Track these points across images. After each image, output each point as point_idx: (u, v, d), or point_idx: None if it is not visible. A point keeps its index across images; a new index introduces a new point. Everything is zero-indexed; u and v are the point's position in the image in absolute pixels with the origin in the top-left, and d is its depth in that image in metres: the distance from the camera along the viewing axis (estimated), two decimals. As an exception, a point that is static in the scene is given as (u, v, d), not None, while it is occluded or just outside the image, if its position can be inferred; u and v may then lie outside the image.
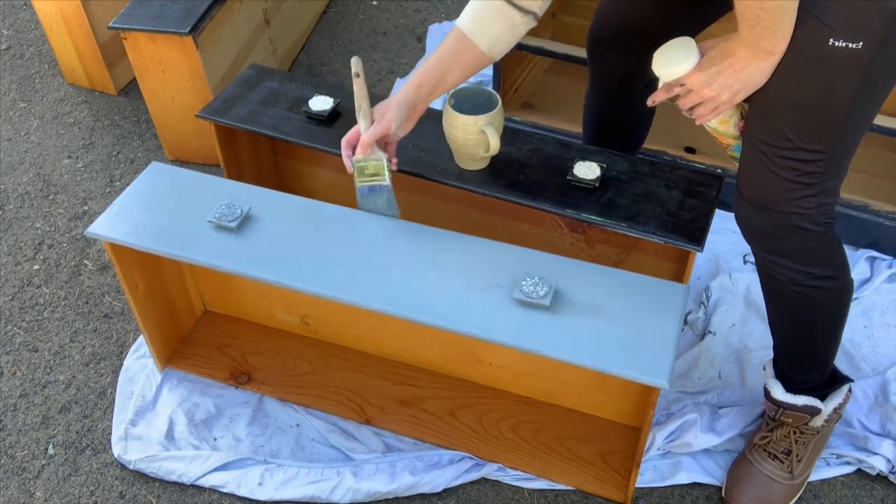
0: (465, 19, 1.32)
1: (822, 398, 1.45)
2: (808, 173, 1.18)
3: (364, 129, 1.39)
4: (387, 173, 1.41)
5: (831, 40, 1.07)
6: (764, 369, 1.50)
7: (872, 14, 1.04)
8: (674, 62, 1.20)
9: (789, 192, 1.20)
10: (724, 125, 1.29)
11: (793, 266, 1.27)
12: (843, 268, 1.31)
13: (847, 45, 1.06)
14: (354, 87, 1.39)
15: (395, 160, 1.45)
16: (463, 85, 1.44)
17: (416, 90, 1.37)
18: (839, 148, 1.17)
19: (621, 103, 1.66)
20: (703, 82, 1.18)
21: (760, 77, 1.16)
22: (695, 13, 1.46)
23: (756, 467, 1.50)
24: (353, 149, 1.42)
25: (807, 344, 1.41)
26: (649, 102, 1.28)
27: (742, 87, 1.17)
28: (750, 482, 1.49)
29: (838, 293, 1.33)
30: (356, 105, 1.39)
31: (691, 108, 1.23)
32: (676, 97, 1.24)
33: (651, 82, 1.63)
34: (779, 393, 1.45)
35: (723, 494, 1.52)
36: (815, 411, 1.44)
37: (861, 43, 1.06)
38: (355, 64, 1.38)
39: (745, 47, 1.13)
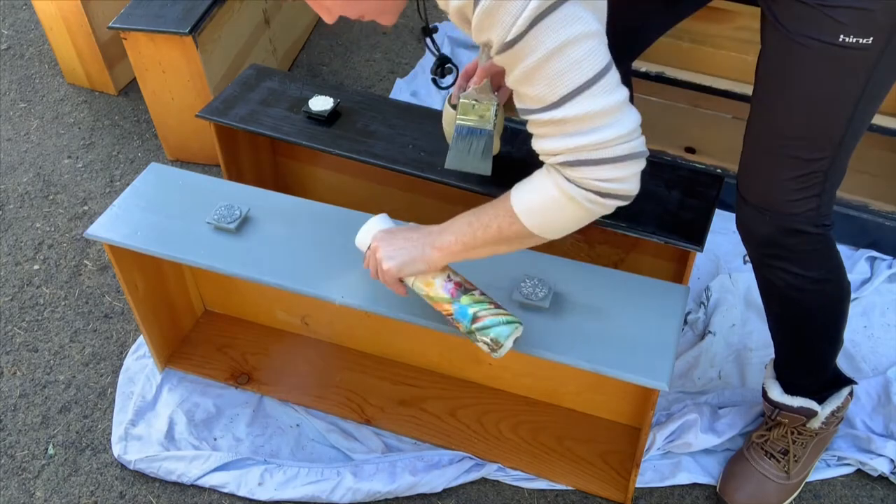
0: None
1: (822, 401, 1.45)
2: (812, 173, 1.18)
3: (483, 62, 1.31)
4: (493, 119, 1.32)
5: (842, 36, 1.05)
6: (765, 368, 1.50)
7: (883, 9, 1.03)
8: (363, 232, 1.24)
9: (793, 194, 1.20)
10: (429, 287, 1.19)
11: (791, 269, 1.27)
12: (839, 270, 1.31)
13: (857, 41, 1.05)
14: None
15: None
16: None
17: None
18: (844, 147, 1.17)
19: None
20: (373, 250, 1.19)
21: (419, 265, 1.16)
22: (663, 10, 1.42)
23: (752, 465, 1.50)
24: (468, 81, 1.34)
25: (806, 348, 1.41)
26: None
27: (403, 264, 1.16)
28: (745, 479, 1.49)
29: (835, 296, 1.33)
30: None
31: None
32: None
33: (627, 76, 1.63)
34: (776, 394, 1.45)
35: (717, 489, 1.52)
36: (811, 413, 1.44)
37: (871, 38, 1.05)
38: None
39: (421, 233, 1.16)
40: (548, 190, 1.01)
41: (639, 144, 0.97)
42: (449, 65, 1.34)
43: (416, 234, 1.17)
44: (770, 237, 1.25)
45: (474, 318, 1.16)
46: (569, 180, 0.98)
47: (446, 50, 2.51)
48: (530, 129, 0.99)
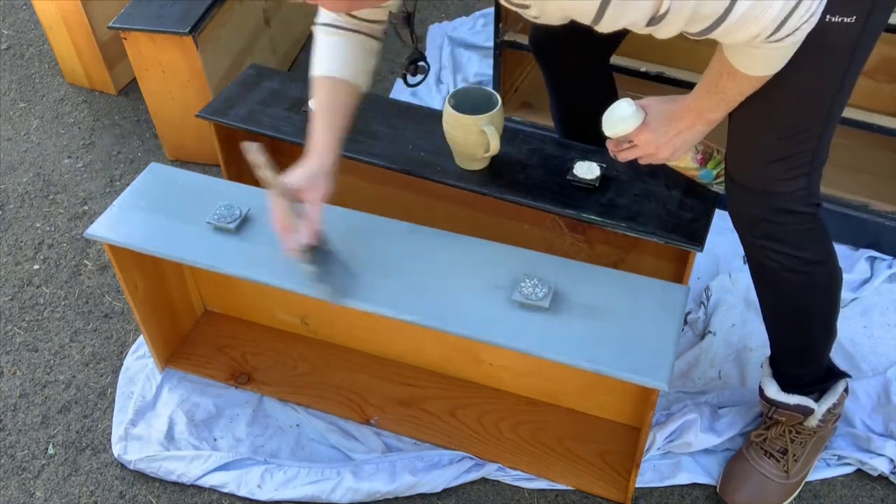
0: (325, 66, 1.32)
1: (818, 397, 1.46)
2: (800, 152, 1.20)
3: (284, 208, 1.27)
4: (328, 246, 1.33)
5: (827, 16, 1.06)
6: (762, 367, 1.50)
7: None
8: (621, 122, 1.26)
9: (783, 174, 1.21)
10: (682, 162, 1.36)
11: (783, 250, 1.28)
12: (831, 253, 1.32)
13: (842, 20, 1.07)
14: (261, 176, 1.25)
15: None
16: (462, 85, 1.44)
17: (331, 152, 1.33)
18: (829, 125, 1.19)
19: (579, 98, 1.67)
20: (649, 141, 1.26)
21: (697, 138, 1.26)
22: None
23: (752, 465, 1.50)
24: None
25: (800, 335, 1.41)
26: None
27: (681, 146, 1.27)
28: (745, 479, 1.49)
29: (828, 278, 1.34)
30: (275, 191, 1.25)
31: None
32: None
33: (608, 74, 1.67)
34: (772, 391, 1.45)
35: (717, 490, 1.52)
36: (807, 411, 1.45)
37: (854, 17, 1.07)
38: (252, 153, 1.26)
39: (692, 113, 1.22)
40: (780, 56, 1.04)
41: None
42: (422, 62, 1.34)
43: (683, 122, 1.23)
44: (761, 217, 1.26)
45: (716, 176, 1.38)
46: (795, 32, 0.97)
47: (446, 51, 2.51)
48: (733, 33, 0.97)
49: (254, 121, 1.68)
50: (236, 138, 1.79)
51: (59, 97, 2.49)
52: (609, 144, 1.32)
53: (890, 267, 1.86)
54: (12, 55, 2.66)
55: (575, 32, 1.31)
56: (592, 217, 1.45)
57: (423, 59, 1.33)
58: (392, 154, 1.60)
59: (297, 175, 1.30)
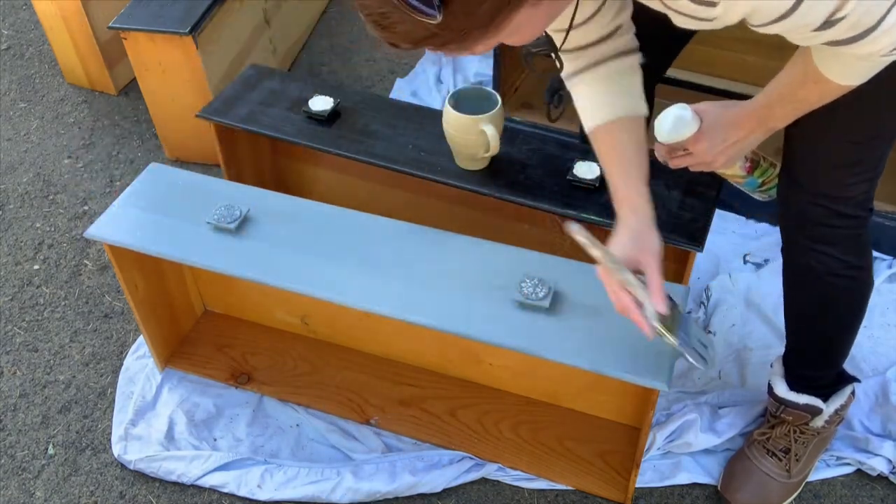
0: (593, 115, 1.20)
1: (826, 398, 1.46)
2: (869, 158, 1.19)
3: (636, 285, 1.10)
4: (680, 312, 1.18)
5: None
6: (771, 366, 1.50)
7: None
8: (677, 129, 1.19)
9: (850, 178, 1.21)
10: (730, 170, 1.30)
11: (833, 253, 1.27)
12: (871, 260, 1.33)
13: None
14: (593, 255, 1.09)
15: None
16: (462, 85, 1.44)
17: (643, 201, 1.18)
18: None
19: None
20: (705, 150, 1.19)
21: (753, 146, 1.21)
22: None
23: (754, 463, 1.50)
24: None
25: (826, 338, 1.41)
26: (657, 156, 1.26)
27: (736, 155, 1.21)
28: (746, 478, 1.49)
29: (864, 286, 1.34)
30: (608, 269, 1.10)
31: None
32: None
33: (652, 95, 1.61)
34: (782, 390, 1.45)
35: (718, 488, 1.52)
36: (816, 411, 1.44)
37: None
38: (577, 233, 1.07)
39: (753, 121, 1.15)
40: (880, 66, 0.99)
41: None
42: (563, 91, 1.26)
43: (742, 130, 1.17)
44: (818, 221, 1.25)
45: (761, 185, 1.34)
46: None
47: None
48: (869, 45, 0.92)
49: (254, 121, 1.68)
50: (236, 138, 1.79)
51: (59, 97, 2.49)
52: (660, 150, 1.24)
53: (890, 267, 1.86)
54: (12, 55, 2.66)
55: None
56: (592, 217, 1.45)
57: (563, 86, 1.24)
58: (392, 154, 1.60)
59: (620, 243, 1.14)
